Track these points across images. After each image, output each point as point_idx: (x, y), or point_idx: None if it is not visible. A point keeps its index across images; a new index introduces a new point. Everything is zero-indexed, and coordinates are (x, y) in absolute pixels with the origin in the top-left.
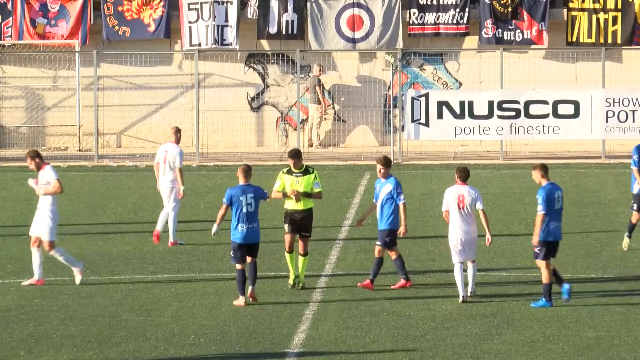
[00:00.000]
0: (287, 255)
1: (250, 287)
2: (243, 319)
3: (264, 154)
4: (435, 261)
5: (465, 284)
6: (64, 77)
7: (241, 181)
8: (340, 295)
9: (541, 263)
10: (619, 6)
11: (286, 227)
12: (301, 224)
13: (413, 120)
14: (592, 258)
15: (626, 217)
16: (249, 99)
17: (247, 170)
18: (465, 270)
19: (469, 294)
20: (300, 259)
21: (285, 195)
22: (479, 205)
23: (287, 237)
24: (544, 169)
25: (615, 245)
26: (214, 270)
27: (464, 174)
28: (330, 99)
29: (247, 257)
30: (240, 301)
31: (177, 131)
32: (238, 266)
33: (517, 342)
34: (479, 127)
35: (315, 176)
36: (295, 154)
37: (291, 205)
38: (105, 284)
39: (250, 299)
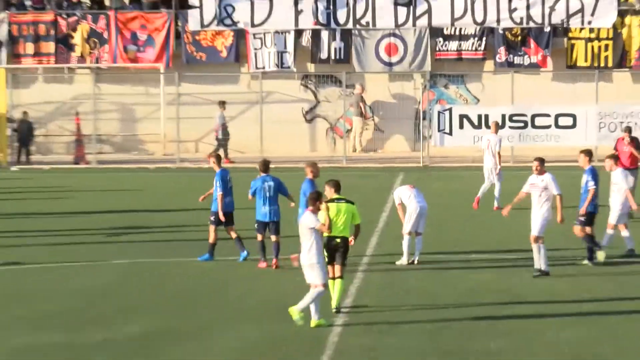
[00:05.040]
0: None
1: None
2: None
3: (315, 158)
4: (458, 246)
5: (412, 253)
6: (151, 94)
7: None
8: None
9: (211, 227)
10: (610, 35)
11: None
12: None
13: (439, 130)
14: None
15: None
16: (304, 112)
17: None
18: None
19: (416, 261)
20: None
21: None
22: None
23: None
24: (216, 156)
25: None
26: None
27: None
28: (371, 112)
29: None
30: None
31: (497, 125)
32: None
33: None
34: None
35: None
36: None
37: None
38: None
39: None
